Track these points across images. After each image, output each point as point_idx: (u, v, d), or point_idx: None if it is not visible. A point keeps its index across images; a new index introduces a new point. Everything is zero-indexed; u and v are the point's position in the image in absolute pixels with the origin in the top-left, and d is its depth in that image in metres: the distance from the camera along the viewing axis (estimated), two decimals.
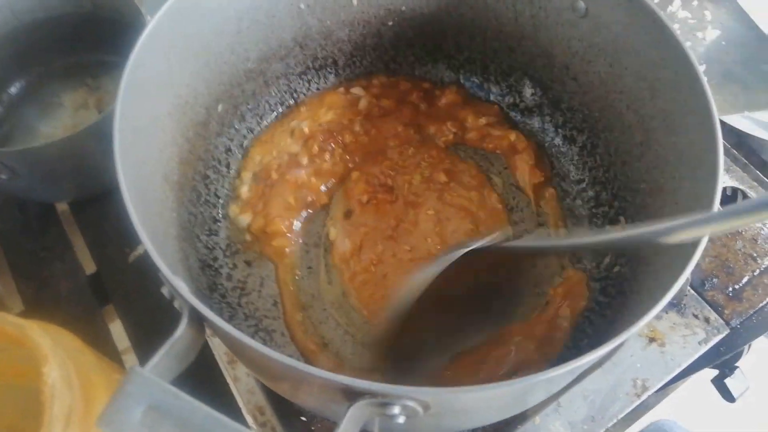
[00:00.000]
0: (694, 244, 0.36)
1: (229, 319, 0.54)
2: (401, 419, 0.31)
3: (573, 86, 0.59)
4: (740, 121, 0.71)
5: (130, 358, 0.62)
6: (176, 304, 0.36)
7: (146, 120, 0.45)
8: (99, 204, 0.69)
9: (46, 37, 0.73)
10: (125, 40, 0.45)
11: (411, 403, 0.30)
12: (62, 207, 0.71)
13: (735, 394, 0.61)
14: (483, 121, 0.65)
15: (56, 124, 0.74)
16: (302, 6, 0.58)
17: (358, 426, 0.31)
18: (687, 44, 0.45)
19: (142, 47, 0.43)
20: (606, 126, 0.58)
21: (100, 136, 0.59)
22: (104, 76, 0.77)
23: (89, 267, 0.68)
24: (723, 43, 0.79)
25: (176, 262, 0.46)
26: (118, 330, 0.64)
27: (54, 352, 0.37)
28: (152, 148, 0.47)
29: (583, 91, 0.58)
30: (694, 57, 0.44)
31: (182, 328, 0.34)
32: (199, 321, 0.35)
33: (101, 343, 0.62)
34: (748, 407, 0.70)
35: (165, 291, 0.36)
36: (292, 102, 0.65)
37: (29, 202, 0.72)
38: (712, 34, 0.80)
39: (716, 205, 0.38)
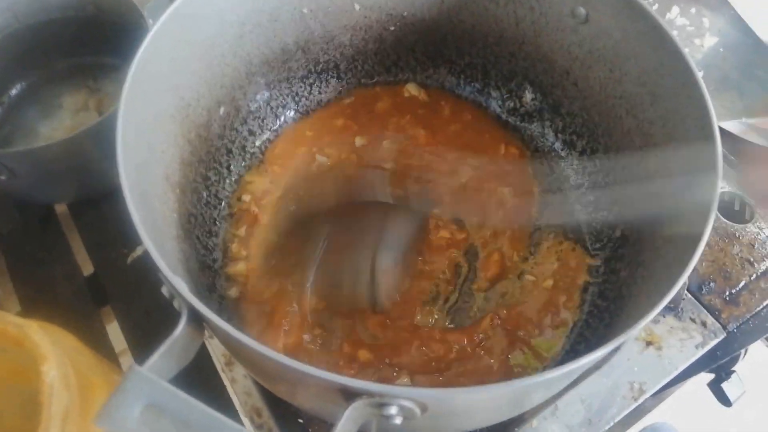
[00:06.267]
0: (690, 250, 0.36)
1: (228, 320, 0.54)
2: (398, 420, 0.31)
3: (573, 91, 0.60)
4: (737, 127, 0.71)
5: (127, 360, 0.62)
6: (175, 303, 0.36)
7: (149, 121, 0.45)
8: (98, 206, 0.69)
9: (48, 39, 0.73)
10: (127, 43, 0.45)
11: (408, 404, 0.30)
12: (61, 208, 0.71)
13: (731, 398, 0.61)
14: None
15: (56, 125, 0.74)
16: (305, 10, 0.58)
17: (355, 427, 0.31)
18: (686, 51, 0.45)
19: (145, 50, 0.43)
20: (605, 131, 0.58)
21: (99, 137, 0.60)
22: (105, 79, 0.77)
23: (87, 268, 0.68)
24: (721, 49, 0.80)
25: (176, 263, 0.46)
26: (115, 331, 0.64)
27: (53, 352, 0.37)
28: (154, 149, 0.47)
29: (583, 96, 0.59)
30: (693, 63, 0.44)
31: (181, 328, 0.34)
32: (198, 321, 0.35)
33: (98, 345, 0.62)
34: (744, 412, 0.70)
35: (165, 291, 0.36)
36: (294, 106, 0.66)
37: (28, 203, 0.72)
38: (710, 41, 0.81)
39: (713, 211, 0.38)
